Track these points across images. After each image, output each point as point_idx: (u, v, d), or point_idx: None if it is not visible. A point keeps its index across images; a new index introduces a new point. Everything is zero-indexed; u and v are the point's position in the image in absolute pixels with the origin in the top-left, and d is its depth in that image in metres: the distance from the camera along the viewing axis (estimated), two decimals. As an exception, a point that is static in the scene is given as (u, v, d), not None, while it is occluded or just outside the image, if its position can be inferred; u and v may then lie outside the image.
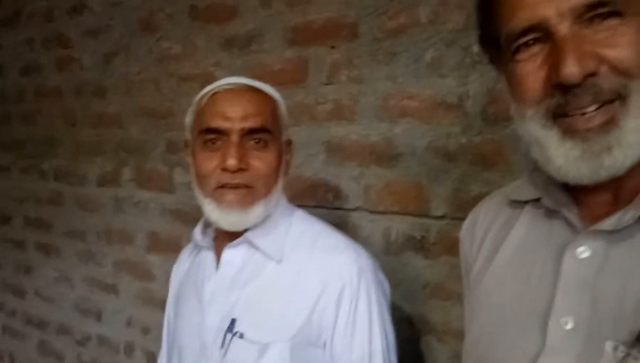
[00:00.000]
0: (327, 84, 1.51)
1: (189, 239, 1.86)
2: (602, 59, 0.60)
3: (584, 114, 0.61)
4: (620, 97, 0.60)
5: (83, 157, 2.22)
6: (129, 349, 2.06)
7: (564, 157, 0.63)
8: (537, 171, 0.73)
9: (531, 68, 0.64)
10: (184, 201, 1.88)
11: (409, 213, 1.37)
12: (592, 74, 0.59)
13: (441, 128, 1.32)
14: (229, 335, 1.02)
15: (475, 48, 1.25)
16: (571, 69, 0.59)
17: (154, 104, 1.96)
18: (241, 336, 1.01)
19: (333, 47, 1.49)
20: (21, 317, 2.56)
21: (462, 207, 1.29)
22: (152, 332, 1.97)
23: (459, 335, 1.29)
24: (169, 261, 1.92)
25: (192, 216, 1.85)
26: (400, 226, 1.39)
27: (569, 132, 0.62)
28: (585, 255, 0.64)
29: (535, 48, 0.64)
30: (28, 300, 2.52)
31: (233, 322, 1.03)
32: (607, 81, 0.60)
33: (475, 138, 1.27)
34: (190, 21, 1.84)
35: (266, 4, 1.62)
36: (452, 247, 1.30)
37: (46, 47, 2.38)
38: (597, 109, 0.60)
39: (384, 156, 1.41)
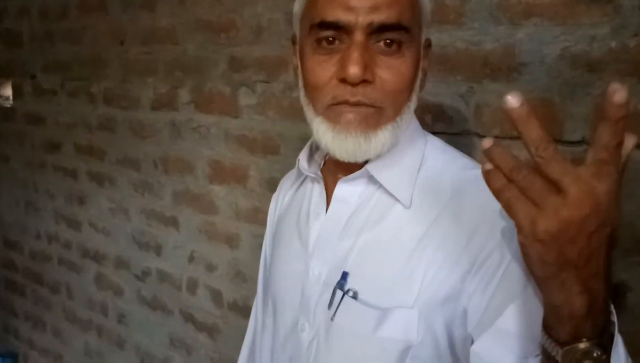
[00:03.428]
0: (428, -20, 1.23)
1: (257, 168, 1.68)
2: None
3: None
4: None
5: (134, 78, 2.02)
6: (192, 286, 1.92)
7: None
8: None
9: None
10: (250, 125, 1.66)
11: (533, 138, 1.12)
12: None
13: (581, 29, 1.04)
14: (339, 293, 0.80)
15: None
16: None
17: (212, 16, 1.71)
18: (354, 296, 0.79)
19: None
20: (77, 249, 2.46)
21: (607, 129, 1.03)
22: (217, 268, 1.82)
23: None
24: (234, 193, 1.74)
25: (260, 142, 1.65)
26: (522, 153, 1.13)
27: None
28: None
29: None
30: (83, 231, 2.41)
31: (345, 276, 0.80)
32: None
33: (630, 40, 1.00)
34: None
35: None
36: (591, 179, 1.06)
37: (88, -45, 2.14)
38: None
39: (502, 67, 1.15)
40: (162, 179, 1.97)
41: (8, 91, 2.72)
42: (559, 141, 1.09)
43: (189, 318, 1.95)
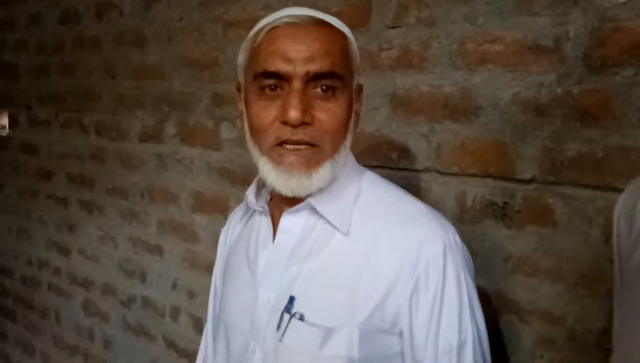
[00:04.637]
0: (393, 27, 1.32)
1: (237, 199, 1.75)
2: None
3: None
4: None
5: (124, 111, 2.10)
6: (174, 313, 1.97)
7: None
8: None
9: None
10: (231, 158, 1.73)
11: (489, 176, 1.19)
12: None
13: (531, 77, 1.12)
14: (286, 316, 0.87)
15: (578, -21, 1.05)
16: None
17: (197, 54, 1.80)
18: (301, 318, 0.86)
19: (401, -17, 1.29)
20: (66, 275, 2.51)
21: (554, 170, 1.10)
22: (198, 296, 1.87)
23: (548, 316, 1.13)
24: (215, 223, 1.81)
25: (240, 174, 1.72)
26: (477, 190, 1.21)
27: None
28: None
29: None
30: (72, 258, 2.46)
31: (292, 300, 0.88)
32: None
33: (573, 87, 1.07)
34: (236, -41, 1.66)
35: None
36: (541, 215, 1.12)
37: (84, -7, 2.24)
38: None
39: (460, 109, 1.22)
40: (148, 208, 2.04)
41: (4, 121, 2.81)
42: (511, 179, 1.16)
43: (171, 344, 1.99)
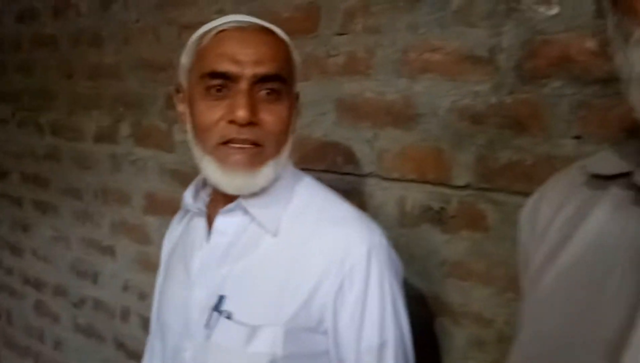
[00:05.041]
0: (340, 34, 1.34)
1: (185, 202, 1.75)
2: None
3: None
4: None
5: (79, 110, 2.09)
6: (125, 314, 1.96)
7: None
8: (634, 138, 0.55)
9: None
10: (183, 160, 1.74)
11: (427, 181, 1.22)
12: None
13: (467, 86, 1.15)
14: (215, 314, 0.89)
15: (512, -7, 1.09)
16: None
17: (152, 55, 1.81)
18: (229, 316, 0.88)
19: (348, -8, 1.32)
20: (18, 276, 2.48)
21: (488, 176, 1.14)
22: (148, 297, 1.86)
23: (479, 319, 1.17)
24: (167, 224, 1.80)
25: (192, 176, 1.70)
26: (416, 195, 1.24)
27: None
28: None
29: None
30: (25, 258, 2.43)
31: (221, 299, 0.90)
32: None
33: (506, 97, 1.11)
34: (191, -37, 1.67)
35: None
36: (474, 221, 1.16)
37: (42, -8, 2.23)
38: None
39: (402, 116, 1.25)
40: (102, 209, 2.03)
41: (-39, 118, 2.76)
42: (447, 185, 1.19)
43: (121, 346, 1.98)
